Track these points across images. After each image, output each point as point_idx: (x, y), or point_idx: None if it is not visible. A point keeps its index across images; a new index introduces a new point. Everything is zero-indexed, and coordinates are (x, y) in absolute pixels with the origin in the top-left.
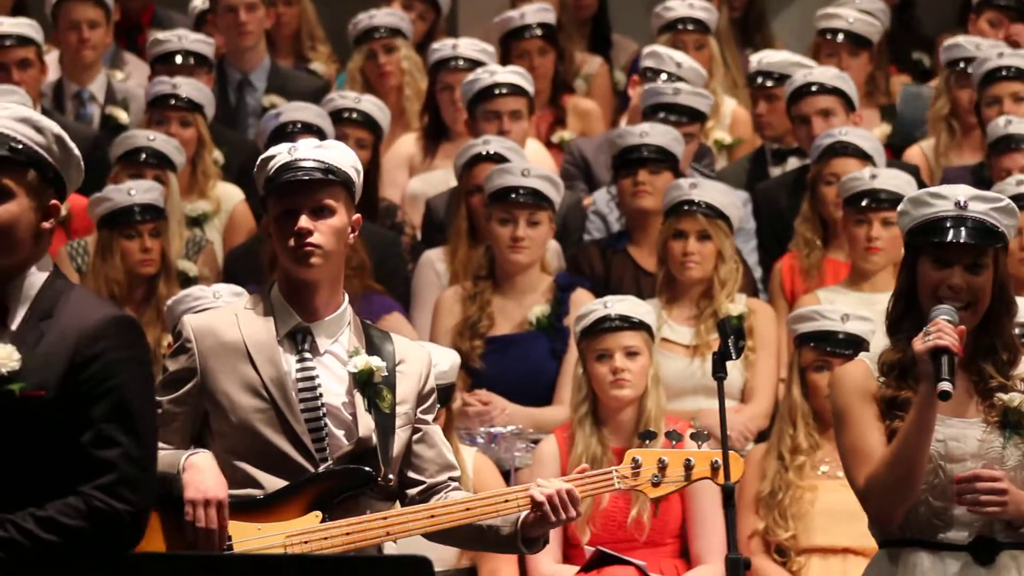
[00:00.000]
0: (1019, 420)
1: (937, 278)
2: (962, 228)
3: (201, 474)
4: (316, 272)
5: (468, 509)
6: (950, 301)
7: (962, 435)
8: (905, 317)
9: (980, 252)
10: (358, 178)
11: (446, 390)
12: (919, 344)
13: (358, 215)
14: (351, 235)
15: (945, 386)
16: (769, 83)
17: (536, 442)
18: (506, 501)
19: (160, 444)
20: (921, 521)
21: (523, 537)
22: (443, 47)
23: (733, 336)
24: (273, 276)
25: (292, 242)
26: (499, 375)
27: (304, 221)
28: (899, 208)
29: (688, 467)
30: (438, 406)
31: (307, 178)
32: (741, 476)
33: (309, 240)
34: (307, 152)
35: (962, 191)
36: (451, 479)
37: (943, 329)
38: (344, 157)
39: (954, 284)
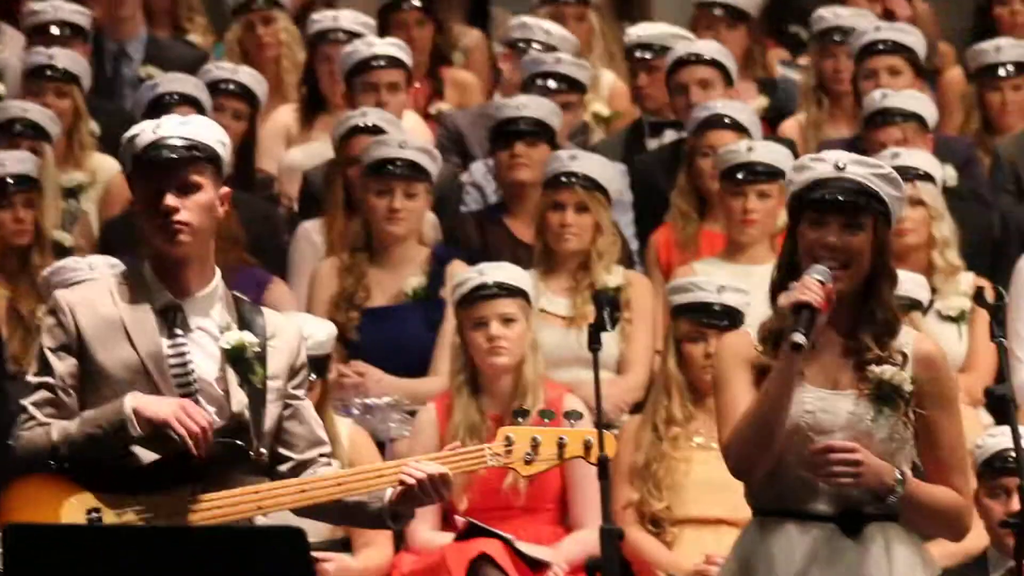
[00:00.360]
0: (892, 393)
1: (814, 238)
2: (839, 187)
3: (154, 401)
4: (185, 249)
5: (340, 484)
6: (826, 261)
7: (833, 407)
8: (786, 285)
9: (856, 211)
10: (225, 152)
11: (322, 361)
12: (782, 299)
13: (227, 189)
14: (220, 209)
15: (796, 337)
16: (648, 55)
17: (412, 413)
18: (379, 477)
19: (54, 421)
20: (789, 491)
21: (391, 513)
22: (322, 19)
23: (609, 308)
24: (144, 252)
25: (159, 220)
26: (375, 346)
27: (170, 199)
28: (786, 178)
29: (561, 446)
30: (312, 379)
31: (172, 156)
32: (614, 454)
33: (176, 218)
34: (171, 129)
35: (842, 155)
36: (321, 455)
37: (807, 285)
38: (209, 132)
39: (829, 242)
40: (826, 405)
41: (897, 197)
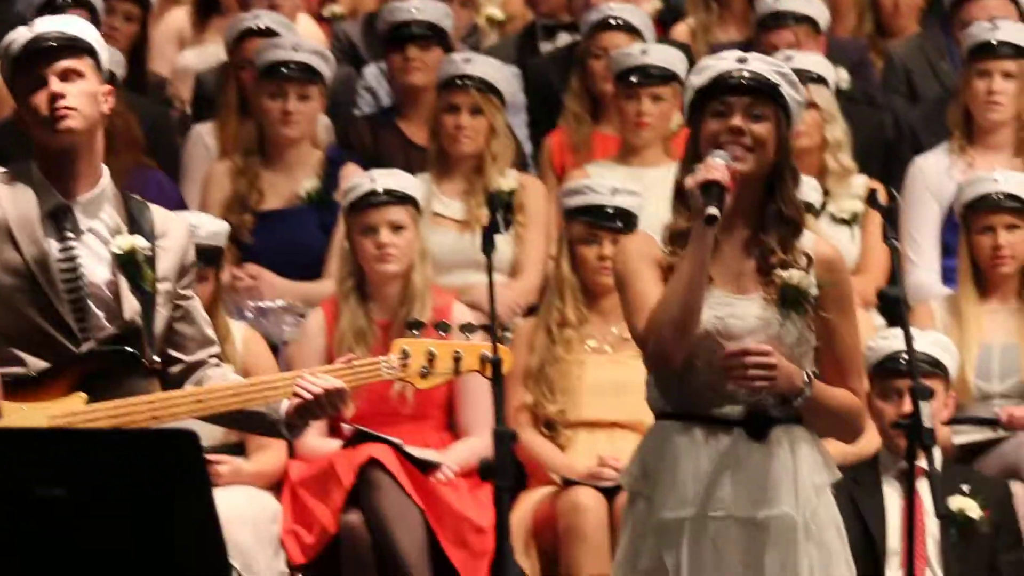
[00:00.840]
0: (798, 297)
1: (717, 127)
2: (742, 77)
3: None
4: (74, 137)
5: (236, 395)
6: (730, 147)
7: (741, 312)
8: None
9: (759, 100)
10: (102, 49)
11: (215, 252)
12: (688, 180)
13: (110, 87)
14: (105, 104)
15: (711, 210)
16: None
17: (304, 316)
18: (275, 388)
19: None
20: (697, 396)
21: (287, 424)
22: None
23: (502, 210)
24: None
25: (45, 108)
26: (268, 249)
27: (55, 84)
28: (686, 83)
29: (456, 359)
30: (203, 267)
31: (52, 46)
32: (510, 368)
33: (63, 103)
34: (46, 26)
35: (743, 52)
36: (211, 356)
37: (711, 164)
38: (85, 27)
39: (734, 125)
40: (735, 310)
41: (797, 100)
